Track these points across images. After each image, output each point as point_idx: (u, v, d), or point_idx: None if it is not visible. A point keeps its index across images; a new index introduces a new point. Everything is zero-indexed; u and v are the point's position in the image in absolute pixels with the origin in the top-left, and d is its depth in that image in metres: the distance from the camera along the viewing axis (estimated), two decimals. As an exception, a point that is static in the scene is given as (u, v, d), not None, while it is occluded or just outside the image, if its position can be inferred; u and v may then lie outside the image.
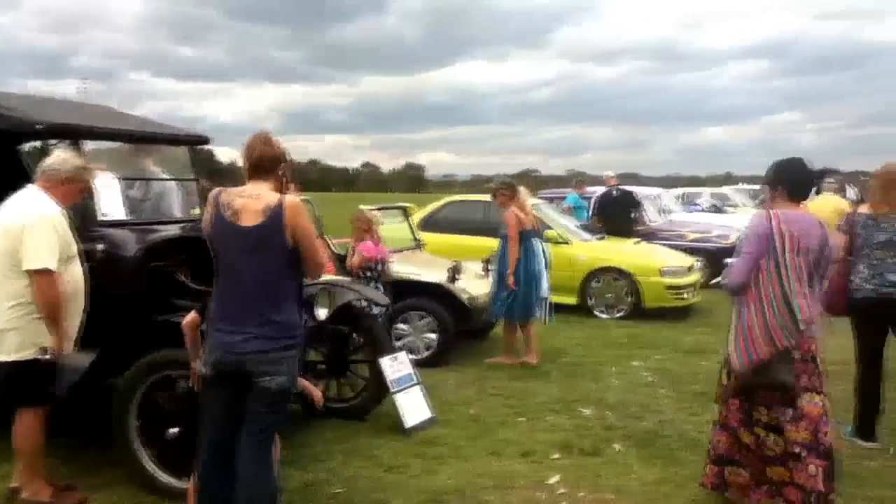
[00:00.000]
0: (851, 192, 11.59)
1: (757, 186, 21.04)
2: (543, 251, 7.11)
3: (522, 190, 7.26)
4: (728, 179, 54.15)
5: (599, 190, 12.33)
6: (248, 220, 2.94)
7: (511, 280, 6.75)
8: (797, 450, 3.57)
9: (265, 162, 3.04)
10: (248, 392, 2.97)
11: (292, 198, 3.03)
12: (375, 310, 5.72)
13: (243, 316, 2.96)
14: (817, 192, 14.77)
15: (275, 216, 2.93)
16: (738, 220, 13.03)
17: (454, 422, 5.25)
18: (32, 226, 3.53)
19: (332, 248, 7.74)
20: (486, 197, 9.98)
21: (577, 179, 13.72)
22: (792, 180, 3.79)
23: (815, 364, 3.66)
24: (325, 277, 5.42)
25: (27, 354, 3.59)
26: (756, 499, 3.76)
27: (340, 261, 7.52)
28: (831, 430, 3.65)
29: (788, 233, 3.56)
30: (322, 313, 4.57)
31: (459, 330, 7.08)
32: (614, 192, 11.74)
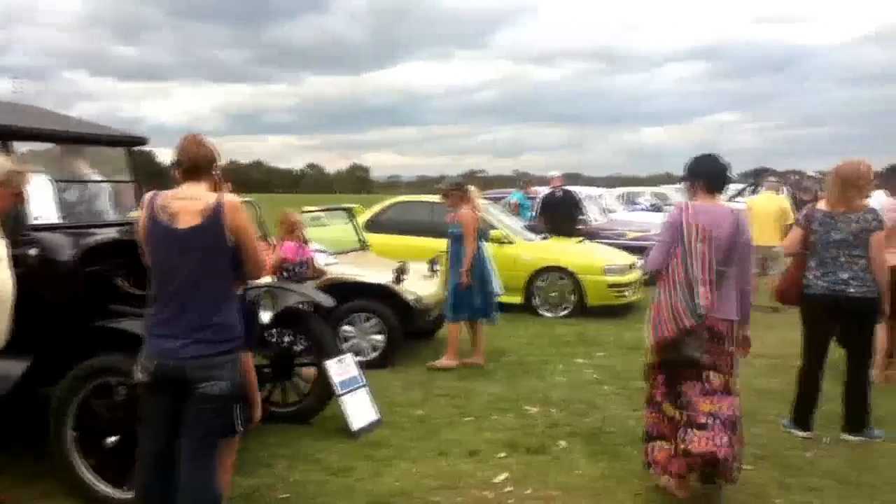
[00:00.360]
0: (784, 190, 11.96)
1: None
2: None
3: (473, 189, 7.22)
4: (668, 179, 55.26)
5: (545, 190, 12.49)
6: (186, 223, 2.90)
7: (467, 278, 6.73)
8: (704, 420, 3.81)
9: (200, 163, 3.01)
10: (188, 398, 2.92)
11: (231, 197, 3.00)
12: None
13: (182, 320, 2.91)
14: (753, 192, 15.21)
15: (214, 217, 2.90)
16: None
17: (401, 423, 5.25)
18: None
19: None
20: (432, 198, 10.02)
21: (524, 181, 13.89)
22: (707, 175, 4.06)
23: (722, 344, 3.90)
24: (269, 280, 5.37)
25: None
26: (674, 469, 3.91)
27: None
28: (737, 404, 3.90)
29: (697, 224, 3.84)
30: (265, 316, 4.52)
31: (406, 331, 7.07)
32: (558, 193, 11.89)
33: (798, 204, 10.65)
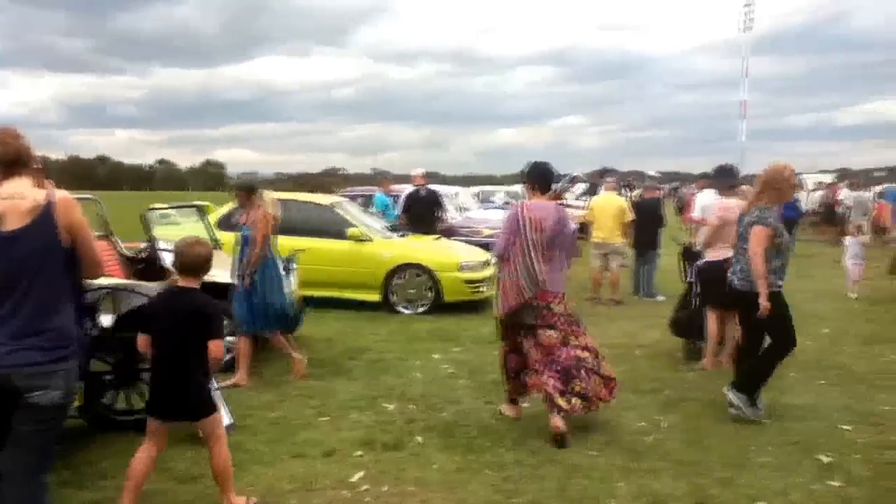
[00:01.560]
0: (625, 192, 12.68)
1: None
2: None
3: (265, 192, 6.80)
4: (521, 178, 57.25)
5: (406, 188, 12.54)
6: (14, 223, 2.69)
7: (248, 282, 6.39)
8: (537, 366, 4.98)
9: (21, 156, 2.80)
10: (16, 409, 2.70)
11: (63, 193, 2.81)
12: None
13: (10, 326, 2.70)
14: (594, 192, 15.96)
15: (45, 215, 2.71)
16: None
17: (255, 427, 5.12)
18: None
19: (120, 249, 7.28)
20: (287, 195, 9.85)
21: (382, 177, 13.86)
22: (538, 178, 5.15)
23: (552, 311, 4.97)
24: (111, 281, 5.08)
25: None
26: (532, 384, 5.08)
27: (131, 262, 7.10)
28: (565, 354, 4.94)
29: (530, 217, 4.92)
30: (106, 320, 4.28)
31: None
32: (422, 192, 11.94)
33: (639, 202, 11.27)
